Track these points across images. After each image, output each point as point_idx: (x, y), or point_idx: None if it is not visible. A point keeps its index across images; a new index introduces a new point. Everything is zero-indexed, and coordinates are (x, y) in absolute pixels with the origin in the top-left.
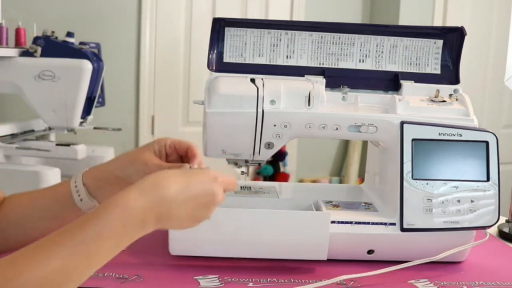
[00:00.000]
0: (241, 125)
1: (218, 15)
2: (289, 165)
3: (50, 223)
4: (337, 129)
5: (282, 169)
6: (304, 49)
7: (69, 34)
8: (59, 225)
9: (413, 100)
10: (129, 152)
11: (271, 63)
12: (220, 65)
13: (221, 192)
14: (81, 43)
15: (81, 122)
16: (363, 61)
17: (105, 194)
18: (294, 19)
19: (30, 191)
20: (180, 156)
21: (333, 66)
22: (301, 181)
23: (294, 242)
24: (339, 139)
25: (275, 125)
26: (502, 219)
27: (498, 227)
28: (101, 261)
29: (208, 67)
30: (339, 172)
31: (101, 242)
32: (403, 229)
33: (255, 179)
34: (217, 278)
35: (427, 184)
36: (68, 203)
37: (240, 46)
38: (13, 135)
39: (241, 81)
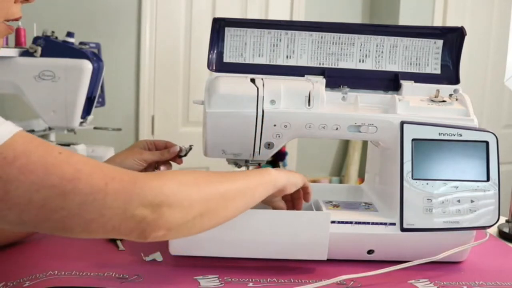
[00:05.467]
0: (241, 125)
1: (218, 15)
2: (289, 165)
3: None
4: (337, 129)
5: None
6: (304, 49)
7: (69, 34)
8: None
9: (413, 100)
10: (124, 151)
11: (271, 63)
12: (220, 65)
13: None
14: (81, 43)
15: (81, 122)
16: (363, 61)
17: None
18: (294, 19)
19: None
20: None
21: (333, 66)
22: None
23: (294, 242)
24: (339, 139)
25: (275, 125)
26: (502, 219)
27: (498, 227)
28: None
29: (208, 67)
30: (339, 172)
31: (258, 189)
32: (403, 229)
33: None
34: (217, 278)
35: (427, 184)
36: None
37: (240, 46)
38: None
39: (241, 81)
